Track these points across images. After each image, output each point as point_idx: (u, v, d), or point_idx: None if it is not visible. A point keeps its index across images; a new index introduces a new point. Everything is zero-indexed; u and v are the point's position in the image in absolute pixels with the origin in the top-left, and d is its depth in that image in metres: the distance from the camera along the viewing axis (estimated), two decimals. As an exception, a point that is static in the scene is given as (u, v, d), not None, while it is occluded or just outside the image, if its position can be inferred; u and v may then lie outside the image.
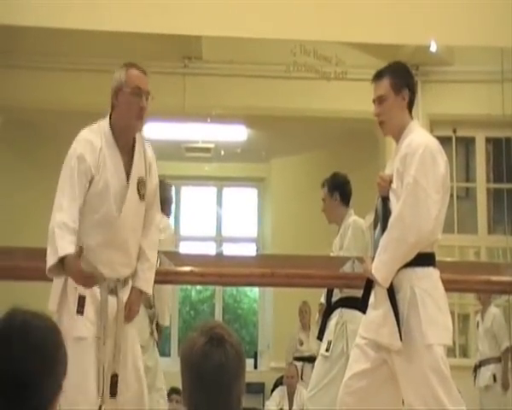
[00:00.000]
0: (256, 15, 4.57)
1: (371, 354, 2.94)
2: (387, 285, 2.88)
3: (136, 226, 2.99)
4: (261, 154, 8.16)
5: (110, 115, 3.00)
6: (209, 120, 7.09)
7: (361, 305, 3.08)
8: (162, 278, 3.02)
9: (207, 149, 7.74)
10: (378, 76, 3.07)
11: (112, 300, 2.90)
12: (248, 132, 7.65)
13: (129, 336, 2.97)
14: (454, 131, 7.09)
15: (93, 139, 2.92)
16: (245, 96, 6.73)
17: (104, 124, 2.97)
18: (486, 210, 7.12)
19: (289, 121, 7.23)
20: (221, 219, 8.83)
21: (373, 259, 2.96)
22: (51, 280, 2.84)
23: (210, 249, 8.68)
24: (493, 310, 6.39)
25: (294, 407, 6.53)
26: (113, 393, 2.85)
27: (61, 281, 2.82)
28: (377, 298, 2.96)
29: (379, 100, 3.05)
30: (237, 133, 7.64)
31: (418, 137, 2.98)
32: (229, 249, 8.79)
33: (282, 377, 6.94)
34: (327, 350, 4.37)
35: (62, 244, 2.71)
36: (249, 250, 8.59)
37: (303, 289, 5.44)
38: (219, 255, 4.10)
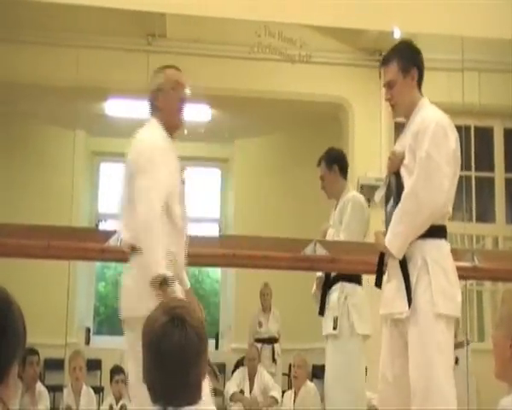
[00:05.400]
0: (222, -5, 4.54)
1: (394, 333, 2.97)
2: (401, 257, 2.93)
3: None
4: (225, 134, 8.13)
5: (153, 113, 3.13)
6: (173, 100, 7.02)
7: (375, 281, 3.10)
8: (123, 257, 3.00)
9: (171, 129, 7.67)
10: (385, 61, 3.11)
11: None
12: (212, 113, 7.62)
13: None
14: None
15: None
16: (209, 76, 6.69)
17: (157, 124, 3.10)
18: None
19: (253, 103, 7.22)
20: (184, 199, 8.76)
21: (385, 234, 3.00)
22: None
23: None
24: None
25: (255, 388, 6.59)
26: None
27: (141, 287, 2.78)
28: (390, 272, 3.01)
29: (388, 85, 3.09)
30: (201, 113, 7.59)
31: (430, 113, 3.05)
32: (192, 230, 8.74)
33: (243, 359, 6.97)
34: (334, 328, 4.25)
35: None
36: (212, 231, 8.58)
37: (265, 270, 5.48)
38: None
